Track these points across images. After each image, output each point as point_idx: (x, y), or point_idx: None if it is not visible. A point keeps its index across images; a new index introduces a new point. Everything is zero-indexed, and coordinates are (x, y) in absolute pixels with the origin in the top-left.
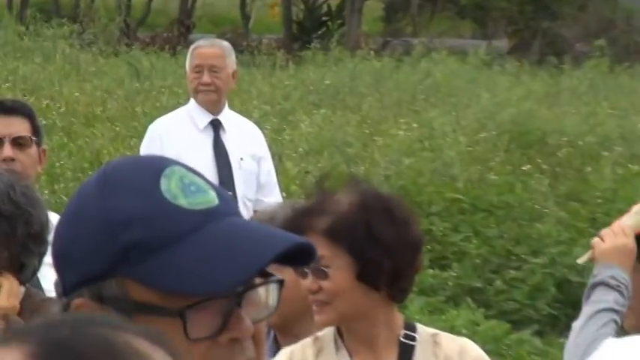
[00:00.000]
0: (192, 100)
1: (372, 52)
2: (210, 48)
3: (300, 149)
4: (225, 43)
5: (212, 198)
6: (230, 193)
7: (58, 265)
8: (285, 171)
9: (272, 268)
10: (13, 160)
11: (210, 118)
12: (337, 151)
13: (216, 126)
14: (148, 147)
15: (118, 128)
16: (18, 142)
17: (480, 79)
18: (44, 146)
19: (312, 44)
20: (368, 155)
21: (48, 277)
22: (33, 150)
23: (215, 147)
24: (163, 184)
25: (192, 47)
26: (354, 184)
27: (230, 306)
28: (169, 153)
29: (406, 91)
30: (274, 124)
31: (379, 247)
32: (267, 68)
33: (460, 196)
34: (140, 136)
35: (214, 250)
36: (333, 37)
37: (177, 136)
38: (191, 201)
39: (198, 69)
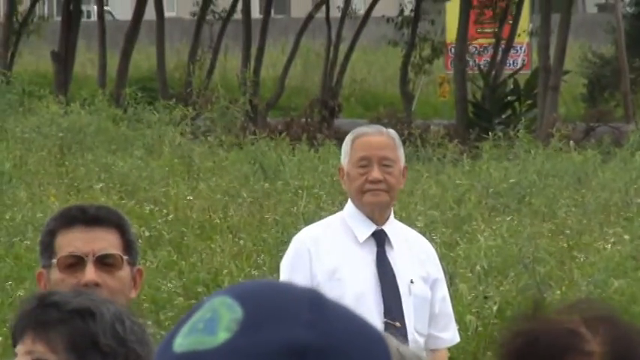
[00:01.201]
0: (349, 205)
1: (571, 143)
2: (379, 136)
3: (478, 268)
4: (393, 132)
5: (211, 339)
6: (398, 324)
7: None
8: (459, 296)
9: None
10: (97, 285)
11: (372, 228)
12: (526, 270)
13: (380, 239)
14: (294, 264)
15: (242, 241)
16: (104, 262)
17: None
18: (139, 266)
19: (494, 132)
20: (565, 275)
21: None
22: (124, 272)
23: (379, 266)
24: (192, 317)
25: (352, 135)
26: (591, 309)
27: None
28: (322, 272)
29: (616, 193)
30: (444, 236)
31: None
32: (434, 163)
33: None
34: (270, 251)
35: None
36: (521, 122)
37: (331, 251)
38: (181, 341)
39: (365, 162)
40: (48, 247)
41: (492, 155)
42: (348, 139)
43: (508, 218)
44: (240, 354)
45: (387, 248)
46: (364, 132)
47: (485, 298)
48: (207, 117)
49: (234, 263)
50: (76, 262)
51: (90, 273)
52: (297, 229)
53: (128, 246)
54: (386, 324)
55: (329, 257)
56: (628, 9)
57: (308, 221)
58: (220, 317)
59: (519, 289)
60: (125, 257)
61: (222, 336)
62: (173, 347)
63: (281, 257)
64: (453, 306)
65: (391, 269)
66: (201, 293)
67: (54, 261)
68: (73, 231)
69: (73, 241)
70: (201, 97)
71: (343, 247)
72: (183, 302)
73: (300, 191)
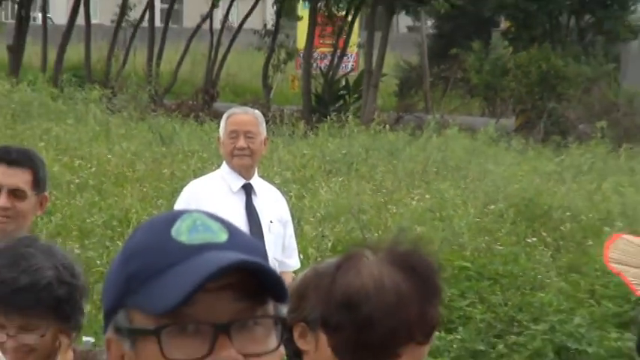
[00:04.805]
0: (224, 165)
1: (386, 126)
2: (245, 115)
3: (318, 214)
4: (258, 112)
5: (217, 236)
6: None
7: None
8: (304, 234)
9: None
10: (7, 208)
11: (242, 182)
12: (352, 218)
13: (248, 190)
14: (184, 207)
15: (145, 189)
16: (15, 194)
17: (488, 154)
18: (46, 193)
19: (330, 116)
20: (382, 222)
21: None
22: (30, 200)
23: (247, 210)
24: (176, 225)
25: (226, 115)
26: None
27: (213, 333)
28: None
29: (418, 164)
30: (295, 190)
31: None
32: (287, 137)
33: (467, 264)
34: (167, 197)
35: (181, 277)
36: (350, 109)
37: (212, 198)
38: (192, 237)
39: (234, 134)
40: None
41: (330, 133)
42: (224, 116)
43: (340, 179)
44: (244, 247)
45: (253, 197)
46: (235, 112)
47: (323, 237)
48: (122, 98)
49: (139, 205)
50: None
51: (2, 200)
52: (187, 182)
53: (37, 181)
54: None
55: (210, 202)
56: (430, 30)
57: (197, 175)
58: (209, 224)
59: (347, 231)
60: (32, 191)
61: (224, 235)
62: (182, 241)
63: (174, 201)
64: (299, 242)
65: (256, 213)
66: (115, 226)
67: None
68: None
69: None
70: (117, 83)
71: (221, 195)
72: (102, 232)
73: (190, 153)
